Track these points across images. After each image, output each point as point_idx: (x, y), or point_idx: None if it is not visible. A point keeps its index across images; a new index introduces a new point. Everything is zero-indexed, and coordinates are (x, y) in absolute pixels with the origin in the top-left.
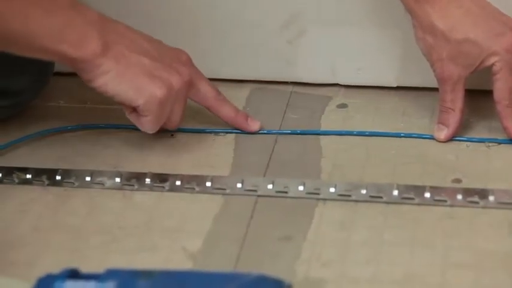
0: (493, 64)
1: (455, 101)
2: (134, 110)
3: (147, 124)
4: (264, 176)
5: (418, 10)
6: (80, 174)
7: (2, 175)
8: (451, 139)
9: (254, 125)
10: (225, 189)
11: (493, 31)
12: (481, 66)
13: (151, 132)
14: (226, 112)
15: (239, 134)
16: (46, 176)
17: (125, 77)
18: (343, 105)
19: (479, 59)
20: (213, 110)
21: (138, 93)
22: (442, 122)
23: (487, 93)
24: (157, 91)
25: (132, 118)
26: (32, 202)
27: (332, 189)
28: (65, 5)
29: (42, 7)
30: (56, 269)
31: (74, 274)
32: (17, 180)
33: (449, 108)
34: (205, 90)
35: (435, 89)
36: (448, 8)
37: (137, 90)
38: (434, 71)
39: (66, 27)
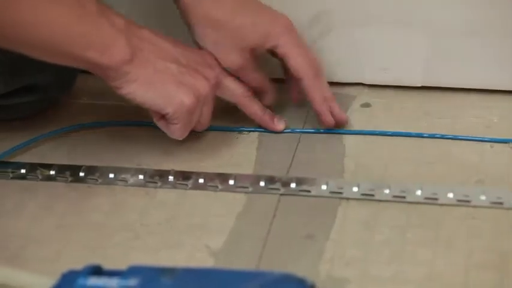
0: (277, 45)
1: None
2: (163, 117)
3: (176, 131)
4: (287, 174)
5: (194, 6)
6: (103, 171)
7: (25, 171)
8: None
9: (280, 125)
10: (248, 187)
11: (267, 16)
12: (263, 46)
13: (180, 138)
14: (253, 110)
15: (263, 133)
16: (70, 172)
17: (152, 84)
18: (367, 105)
19: (260, 39)
20: (241, 107)
21: (167, 102)
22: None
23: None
24: (186, 99)
25: (160, 125)
26: (56, 198)
27: (355, 189)
28: (93, 11)
29: (70, 13)
30: (79, 265)
31: (97, 270)
32: (40, 177)
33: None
34: (233, 87)
35: (460, 89)
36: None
37: (165, 98)
38: (221, 61)
39: (93, 34)
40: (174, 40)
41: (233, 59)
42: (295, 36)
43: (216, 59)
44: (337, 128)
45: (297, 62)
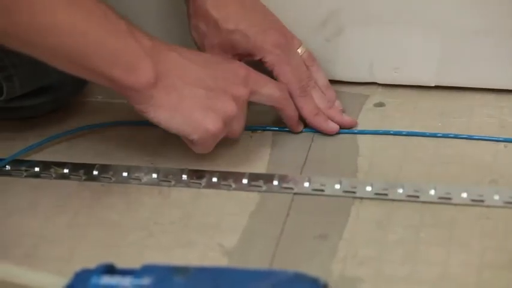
0: (263, 61)
1: None
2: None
3: (200, 151)
4: (301, 173)
5: (197, 1)
6: (117, 170)
7: (39, 169)
8: None
9: (299, 127)
10: (261, 186)
11: (261, 26)
12: (250, 57)
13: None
14: (287, 112)
15: (276, 132)
16: (83, 171)
17: (178, 111)
18: (380, 104)
19: (247, 50)
20: (280, 111)
21: (192, 129)
22: None
23: None
24: (212, 126)
25: (185, 140)
26: (69, 197)
27: (369, 188)
28: (123, 29)
29: (101, 27)
30: (92, 264)
31: (110, 269)
32: (54, 175)
33: None
34: (269, 93)
35: (473, 89)
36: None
37: (191, 125)
38: None
39: (122, 52)
40: (204, 59)
41: (215, 53)
42: (282, 53)
43: (248, 69)
44: (348, 128)
45: (281, 80)
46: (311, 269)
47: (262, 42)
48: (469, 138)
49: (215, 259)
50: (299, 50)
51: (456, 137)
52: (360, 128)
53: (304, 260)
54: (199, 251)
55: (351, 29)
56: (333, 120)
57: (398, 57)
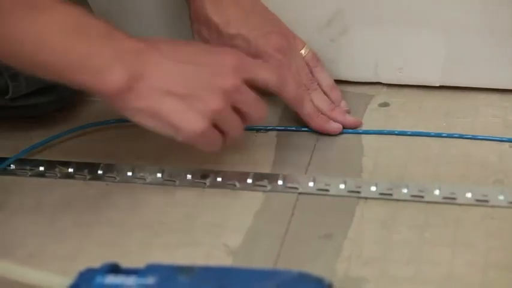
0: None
1: None
2: None
3: (204, 149)
4: (305, 173)
5: (196, 2)
6: (121, 169)
7: (44, 169)
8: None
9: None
10: (266, 186)
11: (263, 29)
12: None
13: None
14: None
15: (281, 132)
16: (88, 170)
17: (158, 116)
18: (385, 104)
19: (249, 54)
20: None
21: (176, 131)
22: None
23: None
24: (195, 126)
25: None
26: (74, 196)
27: (373, 188)
28: (95, 33)
29: (68, 33)
30: (97, 263)
31: (114, 269)
32: (59, 174)
33: None
34: (264, 78)
35: (478, 89)
36: (223, 4)
37: (173, 128)
38: None
39: (89, 57)
40: (189, 53)
41: None
42: (284, 57)
43: (239, 56)
44: (352, 128)
45: (282, 86)
46: (316, 269)
47: (264, 46)
48: (474, 138)
49: (220, 259)
50: (302, 51)
51: (461, 137)
52: (364, 128)
53: (308, 259)
54: (204, 250)
55: (356, 29)
56: (335, 121)
57: (403, 57)
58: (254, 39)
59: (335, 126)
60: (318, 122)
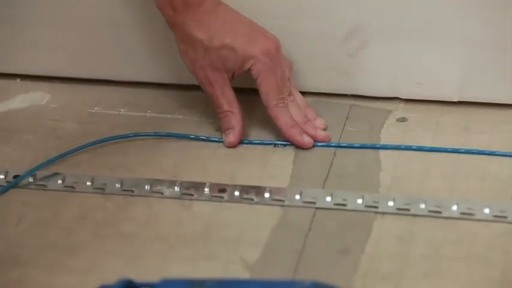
0: (250, 68)
1: (231, 103)
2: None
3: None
4: (323, 188)
5: (179, 24)
6: (139, 183)
7: (62, 182)
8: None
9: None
10: (283, 200)
11: (247, 37)
12: (241, 69)
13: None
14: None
15: (298, 146)
16: (106, 183)
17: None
18: (403, 119)
19: (237, 63)
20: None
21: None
22: (227, 127)
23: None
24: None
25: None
26: (91, 209)
27: (391, 203)
28: None
29: None
30: (113, 276)
31: (129, 285)
32: (76, 188)
33: (228, 111)
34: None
35: (496, 105)
36: (205, 19)
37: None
38: (198, 80)
39: None
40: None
41: (208, 74)
42: (269, 61)
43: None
44: (320, 142)
45: (261, 89)
46: (333, 283)
47: (250, 50)
48: (492, 154)
49: (237, 272)
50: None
51: (478, 152)
52: (382, 142)
53: (326, 274)
54: (221, 264)
55: (374, 44)
56: (307, 134)
57: (421, 72)
58: (240, 45)
59: (308, 140)
60: (291, 132)
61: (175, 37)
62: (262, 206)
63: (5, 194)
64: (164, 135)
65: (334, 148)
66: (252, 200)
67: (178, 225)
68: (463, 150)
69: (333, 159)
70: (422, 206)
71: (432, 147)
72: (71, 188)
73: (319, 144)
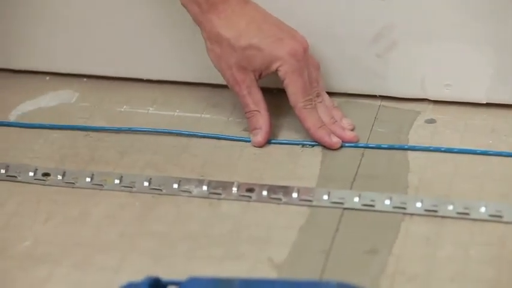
0: (277, 70)
1: (257, 103)
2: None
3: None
4: (351, 188)
5: (205, 22)
6: (167, 182)
7: (90, 180)
8: (269, 141)
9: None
10: (311, 200)
11: (274, 37)
12: (268, 70)
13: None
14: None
15: (326, 147)
16: (134, 182)
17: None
18: (431, 121)
19: (263, 64)
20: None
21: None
22: (254, 127)
23: None
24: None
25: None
26: (120, 208)
27: (419, 204)
28: None
29: None
30: (140, 275)
31: (155, 283)
32: (105, 186)
33: (255, 111)
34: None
35: None
36: (232, 17)
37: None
38: (225, 78)
39: None
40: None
41: (235, 74)
42: (296, 63)
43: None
44: (351, 143)
45: (288, 90)
46: (360, 284)
47: (277, 51)
48: None
49: (264, 272)
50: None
51: (508, 155)
52: (410, 144)
53: (353, 274)
54: (248, 264)
55: (403, 45)
56: (335, 134)
57: (450, 73)
58: (267, 46)
59: (336, 141)
60: (320, 133)
61: (202, 34)
62: (290, 206)
63: (32, 191)
64: (193, 135)
65: (362, 149)
66: (280, 200)
67: (206, 225)
68: (491, 153)
69: (361, 159)
70: (450, 207)
71: (461, 149)
72: (99, 186)
73: (347, 144)
